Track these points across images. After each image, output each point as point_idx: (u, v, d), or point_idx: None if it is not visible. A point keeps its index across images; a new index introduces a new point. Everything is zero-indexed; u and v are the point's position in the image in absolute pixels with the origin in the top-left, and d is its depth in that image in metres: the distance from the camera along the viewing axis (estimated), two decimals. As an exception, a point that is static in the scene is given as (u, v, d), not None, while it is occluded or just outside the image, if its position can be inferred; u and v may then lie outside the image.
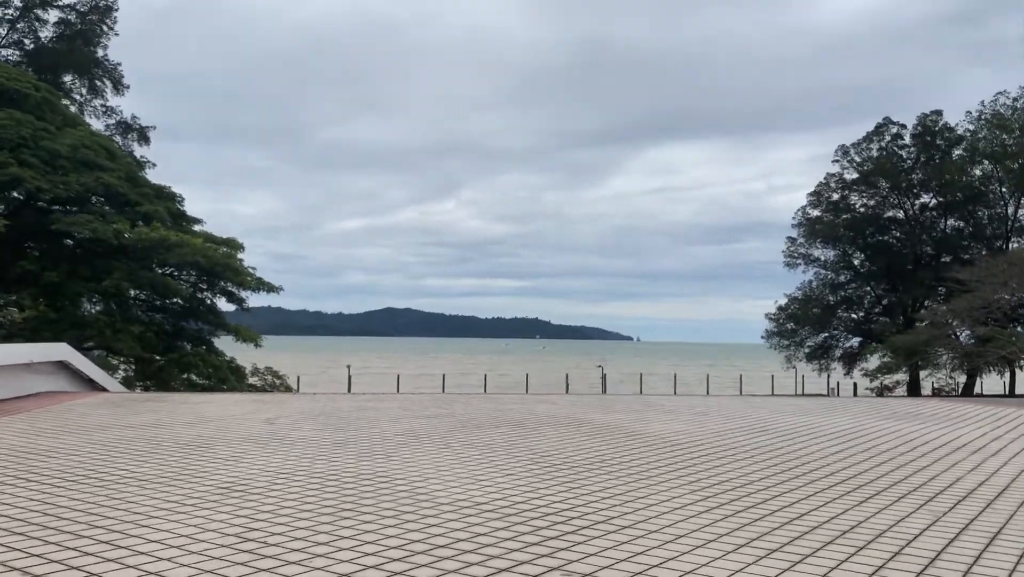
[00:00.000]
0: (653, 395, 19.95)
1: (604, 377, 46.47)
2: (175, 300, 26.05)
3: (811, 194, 63.18)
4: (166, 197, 25.95)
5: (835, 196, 62.56)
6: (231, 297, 25.95)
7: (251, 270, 25.25)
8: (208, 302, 27.07)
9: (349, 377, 41.69)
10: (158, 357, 25.50)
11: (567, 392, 45.35)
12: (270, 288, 25.77)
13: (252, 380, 29.01)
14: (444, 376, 51.99)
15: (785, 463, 7.42)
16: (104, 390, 17.59)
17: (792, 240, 62.35)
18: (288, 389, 28.99)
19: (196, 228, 26.59)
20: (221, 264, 22.92)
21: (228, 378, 25.18)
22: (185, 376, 23.94)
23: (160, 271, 21.93)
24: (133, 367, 25.31)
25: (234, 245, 26.51)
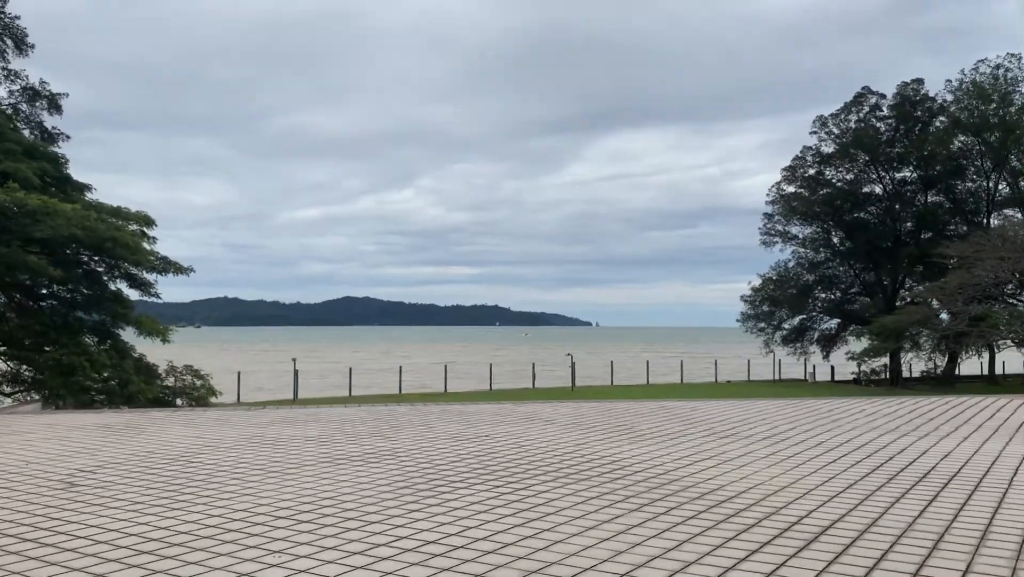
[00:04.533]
0: (665, 400, 15.91)
1: (573, 367, 42.41)
2: (69, 286, 21.39)
3: (786, 169, 60.03)
4: (43, 156, 21.07)
5: (811, 171, 59.58)
6: (133, 281, 21.26)
7: (149, 245, 20.46)
8: (113, 288, 22.37)
9: (295, 375, 36.82)
10: (40, 354, 20.77)
11: (534, 386, 41.29)
12: (179, 269, 21.10)
13: (168, 381, 24.39)
14: (401, 368, 47.19)
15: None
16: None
17: (768, 217, 59.13)
18: (211, 392, 24.37)
19: (89, 197, 21.81)
20: (108, 239, 18.25)
21: (131, 380, 20.49)
22: (73, 380, 19.22)
23: (23, 246, 17.16)
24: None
25: (138, 218, 21.77)
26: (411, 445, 7.45)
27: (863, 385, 47.41)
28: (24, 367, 22.22)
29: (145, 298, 23.18)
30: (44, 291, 21.74)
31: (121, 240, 18.40)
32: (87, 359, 19.00)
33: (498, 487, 5.53)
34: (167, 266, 20.73)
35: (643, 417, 9.69)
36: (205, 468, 6.37)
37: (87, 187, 22.48)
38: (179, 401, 23.83)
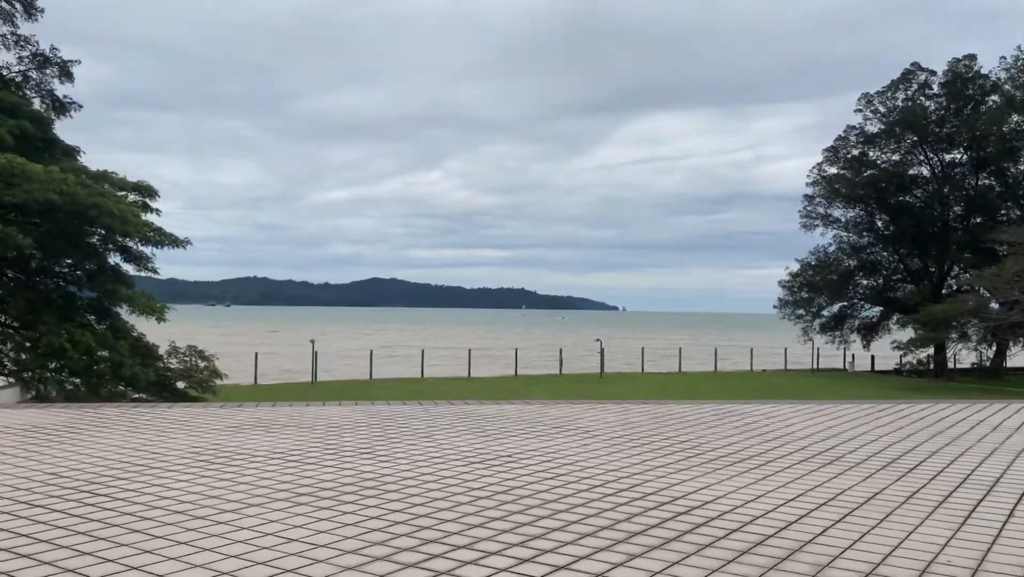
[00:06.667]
0: (726, 402, 13.84)
1: (602, 352, 40.50)
2: (69, 261, 19.77)
3: (828, 149, 57.27)
4: (25, 115, 19.32)
5: (855, 151, 56.78)
6: (127, 254, 19.53)
7: (147, 216, 18.66)
8: (112, 262, 20.70)
9: (314, 357, 35.13)
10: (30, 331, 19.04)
11: (561, 372, 39.40)
12: (175, 242, 19.33)
13: (171, 362, 22.70)
14: (423, 352, 45.34)
15: None
16: None
17: (809, 199, 56.47)
18: (216, 375, 22.69)
19: (82, 163, 20.10)
20: (91, 206, 16.42)
21: (124, 363, 18.72)
22: (57, 366, 17.49)
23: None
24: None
25: (138, 188, 20.01)
26: (405, 470, 5.52)
27: (905, 376, 45.17)
28: (8, 348, 20.55)
29: (147, 275, 21.53)
30: (39, 265, 20.12)
31: (105, 207, 16.57)
32: (69, 340, 17.22)
33: (523, 562, 3.58)
34: (162, 238, 18.95)
35: (708, 428, 7.69)
36: (109, 505, 4.49)
37: (76, 150, 20.78)
38: (180, 384, 22.25)
